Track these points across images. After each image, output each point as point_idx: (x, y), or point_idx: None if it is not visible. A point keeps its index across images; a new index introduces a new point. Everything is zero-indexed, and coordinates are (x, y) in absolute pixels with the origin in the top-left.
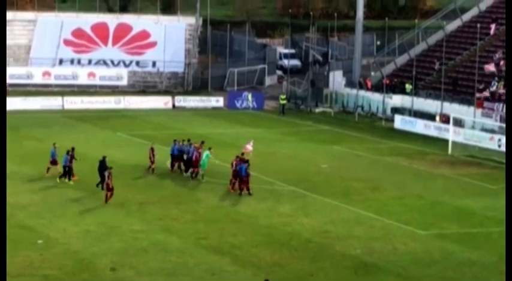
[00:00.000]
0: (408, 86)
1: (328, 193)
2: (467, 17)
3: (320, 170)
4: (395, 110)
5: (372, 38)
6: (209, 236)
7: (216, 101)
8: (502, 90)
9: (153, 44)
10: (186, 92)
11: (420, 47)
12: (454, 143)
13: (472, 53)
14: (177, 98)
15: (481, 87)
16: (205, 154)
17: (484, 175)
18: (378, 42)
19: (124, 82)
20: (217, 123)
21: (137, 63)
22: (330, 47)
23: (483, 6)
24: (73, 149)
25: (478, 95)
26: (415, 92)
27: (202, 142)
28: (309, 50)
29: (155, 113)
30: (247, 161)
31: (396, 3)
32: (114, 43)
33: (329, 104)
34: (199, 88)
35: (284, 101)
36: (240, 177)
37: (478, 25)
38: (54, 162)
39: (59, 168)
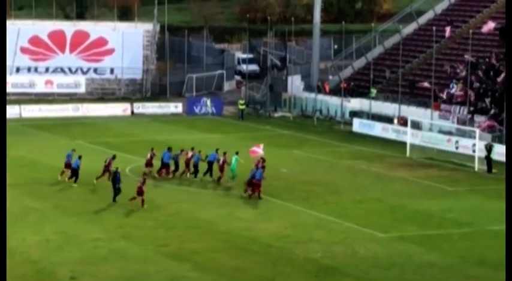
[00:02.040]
0: (373, 91)
1: (288, 197)
2: (423, 20)
3: (280, 174)
4: (354, 114)
5: (329, 42)
6: (169, 243)
7: (175, 107)
8: (458, 93)
9: (110, 51)
10: (144, 99)
11: (377, 51)
12: (412, 146)
13: (428, 56)
14: (135, 104)
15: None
16: (234, 158)
17: (442, 177)
18: (336, 46)
19: (82, 89)
20: (177, 130)
21: (95, 70)
22: (288, 51)
23: (439, 9)
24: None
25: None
26: (368, 95)
27: (217, 149)
28: (267, 54)
29: (114, 120)
30: (263, 167)
31: (353, 7)
32: (72, 50)
33: (288, 108)
34: (158, 94)
35: (243, 106)
36: (255, 181)
37: (434, 28)
38: (68, 165)
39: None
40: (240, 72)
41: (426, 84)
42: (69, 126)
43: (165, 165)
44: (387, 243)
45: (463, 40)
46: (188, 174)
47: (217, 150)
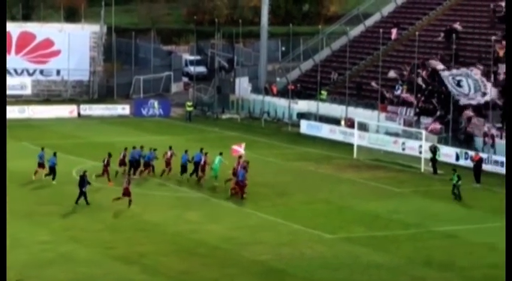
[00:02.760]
0: (323, 93)
1: (235, 199)
2: (370, 22)
3: (227, 176)
4: (301, 116)
5: (276, 44)
6: (117, 246)
7: (122, 109)
8: (405, 95)
9: (57, 53)
10: (91, 101)
11: (324, 53)
12: (359, 147)
13: (375, 58)
14: (82, 106)
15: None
16: (217, 158)
17: (389, 178)
18: (283, 48)
19: (28, 91)
20: (124, 131)
21: (41, 72)
22: (236, 53)
23: (385, 11)
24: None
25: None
26: (318, 97)
27: (202, 150)
28: (215, 56)
29: (60, 122)
30: (244, 167)
31: (300, 9)
32: (18, 52)
33: (235, 110)
34: (105, 96)
35: (190, 108)
36: (238, 181)
37: (381, 30)
38: (41, 165)
39: (45, 171)
40: (187, 74)
41: (374, 84)
42: (15, 128)
43: (146, 164)
44: (334, 244)
45: (409, 42)
46: (167, 173)
47: (201, 150)
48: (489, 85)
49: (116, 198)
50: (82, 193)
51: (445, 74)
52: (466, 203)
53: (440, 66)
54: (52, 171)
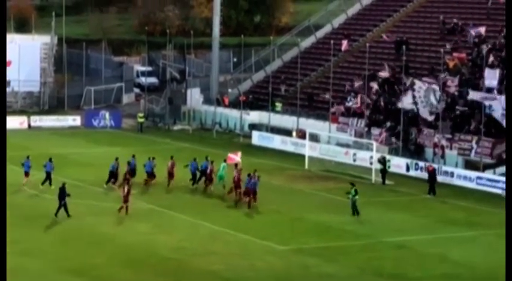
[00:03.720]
0: (278, 104)
1: (187, 209)
2: (321, 33)
3: (179, 187)
4: (253, 127)
5: (228, 55)
6: (69, 258)
7: (73, 120)
8: (356, 105)
9: (7, 63)
10: (42, 112)
11: (276, 64)
12: (311, 158)
13: (326, 69)
14: (32, 117)
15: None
16: (222, 165)
17: (341, 189)
18: (235, 59)
19: None
20: (75, 143)
21: None
22: (187, 64)
23: (336, 23)
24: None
25: (332, 109)
26: (272, 108)
27: (207, 158)
28: (166, 67)
29: (11, 133)
30: (249, 175)
31: (252, 21)
32: None
33: (187, 121)
34: (56, 107)
35: (142, 119)
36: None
37: (332, 42)
38: (27, 174)
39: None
40: (139, 85)
41: (327, 96)
42: None
43: (148, 174)
44: (286, 255)
45: (360, 54)
46: (170, 182)
47: (206, 158)
48: (435, 102)
49: (120, 208)
50: (62, 205)
51: (396, 88)
52: (417, 214)
53: (387, 76)
54: (48, 177)
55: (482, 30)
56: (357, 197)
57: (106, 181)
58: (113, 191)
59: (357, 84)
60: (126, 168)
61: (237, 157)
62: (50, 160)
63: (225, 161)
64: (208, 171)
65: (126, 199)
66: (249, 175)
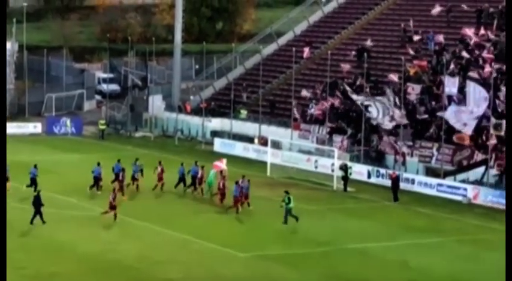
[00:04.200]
0: (243, 112)
1: (149, 217)
2: (283, 41)
3: (142, 194)
4: (215, 134)
5: (190, 62)
6: (28, 266)
7: (34, 127)
8: (317, 112)
9: None
10: None
11: (238, 71)
12: (273, 165)
13: (288, 76)
14: None
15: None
16: (211, 172)
17: (302, 196)
18: (197, 66)
19: None
20: (36, 150)
21: None
22: (149, 71)
23: (298, 30)
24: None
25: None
26: (234, 115)
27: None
28: (128, 74)
29: None
30: (237, 182)
31: (214, 28)
32: None
33: (149, 128)
34: (17, 114)
35: (103, 126)
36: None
37: (294, 49)
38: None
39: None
40: (100, 92)
41: (294, 103)
42: None
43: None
44: (248, 262)
45: (322, 61)
46: (161, 187)
47: (196, 163)
48: (397, 111)
49: (104, 212)
50: (37, 212)
51: (354, 97)
52: (379, 220)
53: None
54: (33, 182)
55: (441, 38)
56: (291, 205)
57: (90, 186)
58: (75, 199)
59: (318, 91)
60: (121, 173)
61: (222, 164)
62: (35, 166)
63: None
64: (199, 176)
65: (112, 206)
66: (236, 183)
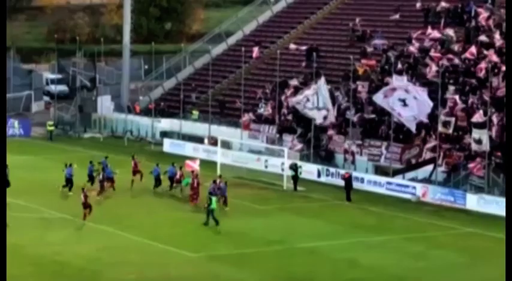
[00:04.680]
0: (195, 112)
1: (101, 219)
2: (232, 40)
3: (92, 196)
4: (164, 134)
5: (139, 62)
6: None
7: None
8: (267, 112)
9: None
10: None
11: (187, 71)
12: (223, 165)
13: (237, 76)
14: None
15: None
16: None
17: (253, 196)
18: (146, 67)
19: None
20: None
21: None
22: (98, 71)
23: (247, 30)
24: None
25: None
26: (186, 116)
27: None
28: (76, 75)
29: None
30: (215, 181)
31: (162, 28)
32: None
33: (98, 129)
34: None
35: (52, 128)
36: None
37: (243, 48)
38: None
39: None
40: (48, 93)
41: (239, 104)
42: None
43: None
44: (199, 263)
45: (271, 60)
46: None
47: (173, 164)
48: (331, 106)
49: (84, 216)
50: None
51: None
52: (329, 219)
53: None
54: (69, 182)
55: (388, 37)
56: (212, 206)
57: (63, 186)
58: (23, 201)
59: (268, 91)
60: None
61: (195, 164)
62: (70, 165)
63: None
64: (178, 176)
65: (85, 206)
66: (214, 181)
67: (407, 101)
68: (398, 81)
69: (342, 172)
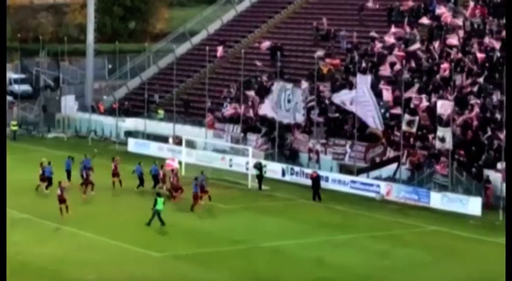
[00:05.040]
0: (160, 112)
1: (63, 219)
2: (196, 40)
3: (53, 195)
4: (129, 134)
5: (103, 61)
6: None
7: None
8: (231, 111)
9: None
10: None
11: (152, 70)
12: (188, 165)
13: (202, 75)
14: None
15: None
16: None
17: (218, 195)
18: (110, 66)
19: None
20: None
21: None
22: (61, 71)
23: (211, 29)
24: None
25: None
26: (148, 115)
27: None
28: (40, 74)
29: None
30: (196, 178)
31: (126, 27)
32: None
33: (62, 129)
34: None
35: (15, 127)
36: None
37: (207, 48)
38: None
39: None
40: (11, 93)
41: (208, 104)
42: None
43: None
44: (162, 263)
45: (235, 60)
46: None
47: (155, 162)
48: (302, 105)
49: (60, 212)
50: None
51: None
52: (294, 218)
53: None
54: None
55: (354, 36)
56: (157, 207)
57: (46, 186)
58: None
59: (233, 90)
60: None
61: (174, 163)
62: (49, 163)
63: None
64: (161, 175)
65: (60, 200)
66: (195, 179)
67: (360, 99)
68: (362, 80)
69: (309, 171)
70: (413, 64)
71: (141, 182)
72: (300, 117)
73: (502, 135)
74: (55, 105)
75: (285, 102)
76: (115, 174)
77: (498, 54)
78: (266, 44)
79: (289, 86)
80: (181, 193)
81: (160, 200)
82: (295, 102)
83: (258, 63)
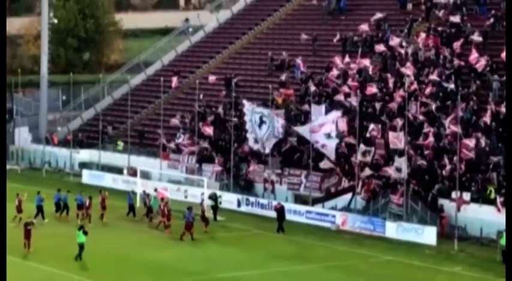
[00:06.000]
0: (120, 143)
1: (20, 252)
2: (151, 70)
3: (9, 228)
4: (83, 165)
5: (57, 93)
6: None
7: None
8: (186, 141)
9: None
10: None
11: (106, 101)
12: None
13: (156, 106)
14: None
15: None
16: (153, 195)
17: (173, 226)
18: (64, 97)
19: None
20: None
21: None
22: (15, 103)
23: (166, 60)
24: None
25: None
26: (103, 146)
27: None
28: None
29: None
30: (190, 208)
31: (81, 58)
32: None
33: (16, 161)
34: None
35: None
36: (187, 223)
37: (162, 79)
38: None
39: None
40: None
41: (176, 121)
42: None
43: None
44: None
45: (190, 90)
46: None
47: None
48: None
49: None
50: None
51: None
52: (249, 249)
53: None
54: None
55: (305, 66)
56: (79, 240)
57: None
58: None
59: (187, 120)
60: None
61: (165, 192)
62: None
63: (155, 190)
64: (86, 204)
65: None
66: (188, 208)
67: (331, 134)
68: (317, 110)
69: (265, 201)
70: (367, 93)
71: (131, 209)
72: (270, 146)
73: (457, 164)
74: (9, 137)
75: (256, 126)
76: (104, 207)
77: (452, 85)
78: (212, 78)
79: (261, 109)
80: (165, 222)
81: (79, 232)
82: (270, 128)
83: (201, 96)
